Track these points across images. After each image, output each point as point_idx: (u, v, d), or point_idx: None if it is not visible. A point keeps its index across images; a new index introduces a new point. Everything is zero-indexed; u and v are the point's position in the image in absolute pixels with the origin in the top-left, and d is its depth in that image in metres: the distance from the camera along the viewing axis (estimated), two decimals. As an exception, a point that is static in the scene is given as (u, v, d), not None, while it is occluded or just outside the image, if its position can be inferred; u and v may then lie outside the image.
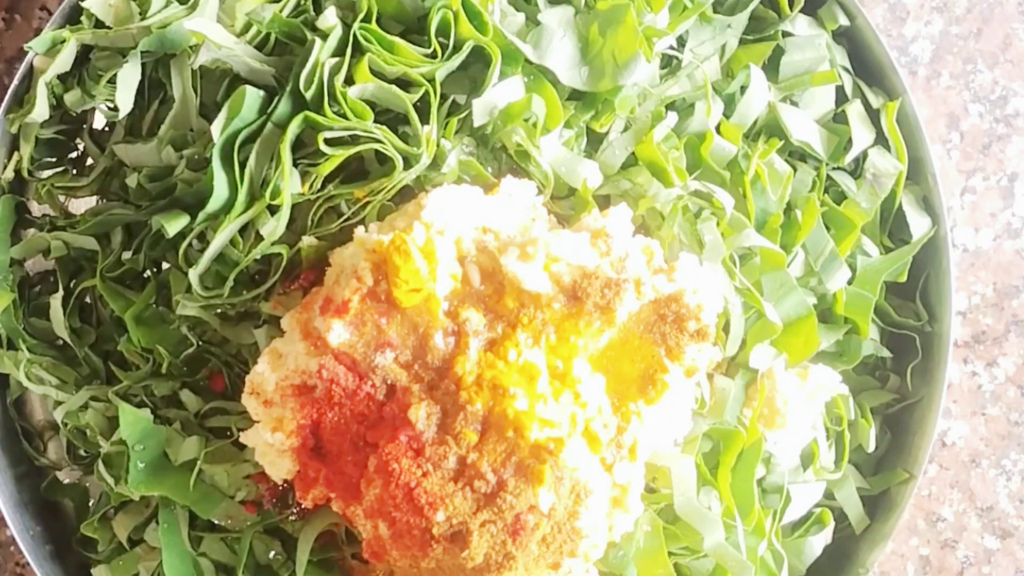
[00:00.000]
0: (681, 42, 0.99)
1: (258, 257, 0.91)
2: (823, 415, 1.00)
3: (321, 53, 0.89)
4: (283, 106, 0.90)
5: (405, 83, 0.91)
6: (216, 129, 0.90)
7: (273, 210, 0.90)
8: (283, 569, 0.97)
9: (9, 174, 0.99)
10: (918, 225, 1.03)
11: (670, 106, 0.98)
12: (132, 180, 0.95)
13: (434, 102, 0.91)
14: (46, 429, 1.08)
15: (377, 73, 0.91)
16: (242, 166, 0.89)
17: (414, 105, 0.90)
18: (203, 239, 0.92)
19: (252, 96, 0.90)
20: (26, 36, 1.15)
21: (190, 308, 0.93)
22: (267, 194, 0.89)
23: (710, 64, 0.99)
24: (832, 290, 1.00)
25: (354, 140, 0.90)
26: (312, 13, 0.93)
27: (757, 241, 0.95)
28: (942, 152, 1.20)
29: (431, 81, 0.91)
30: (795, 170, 1.00)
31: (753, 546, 0.95)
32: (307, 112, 0.89)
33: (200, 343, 0.96)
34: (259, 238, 0.91)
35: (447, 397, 0.86)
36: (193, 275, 0.91)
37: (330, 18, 0.90)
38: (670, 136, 0.96)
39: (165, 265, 0.97)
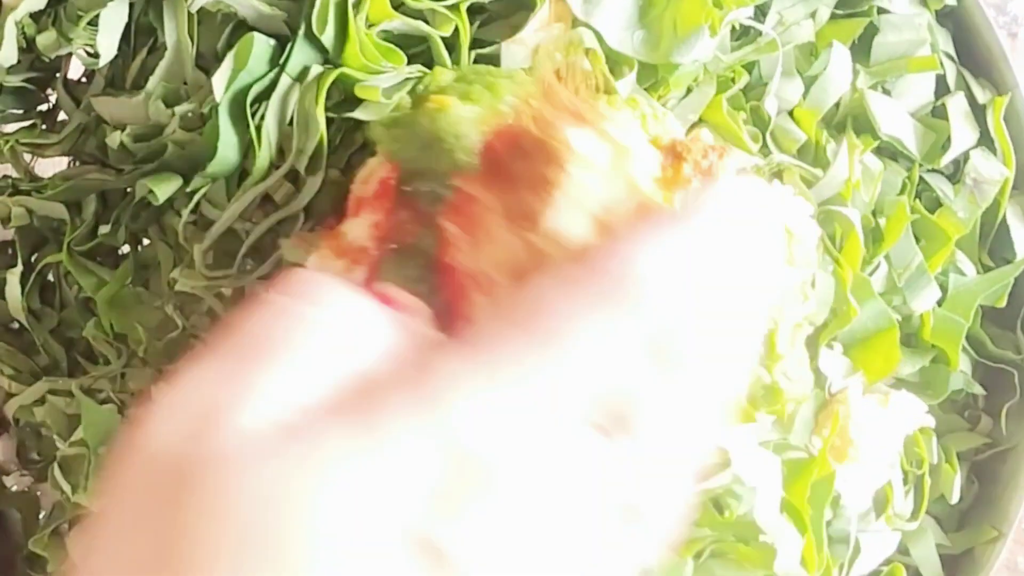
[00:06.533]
0: (763, 10, 0.86)
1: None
2: (901, 455, 0.88)
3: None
4: (297, 55, 0.78)
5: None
6: (219, 82, 0.78)
7: (291, 174, 0.79)
8: None
9: (-34, 126, 0.87)
10: (1023, 242, 0.93)
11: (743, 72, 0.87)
12: (113, 139, 0.84)
13: (464, 42, 0.80)
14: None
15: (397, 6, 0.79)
16: (257, 128, 0.78)
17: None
18: (196, 210, 0.81)
19: (261, 45, 0.79)
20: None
21: (189, 286, 0.81)
22: (292, 160, 0.78)
23: (799, 30, 0.88)
24: (918, 311, 0.89)
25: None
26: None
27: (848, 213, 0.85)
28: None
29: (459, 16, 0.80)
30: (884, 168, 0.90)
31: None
32: (342, 69, 0.78)
33: (186, 325, 0.84)
34: (274, 206, 0.80)
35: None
36: (198, 252, 0.80)
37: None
38: (737, 97, 0.86)
39: (146, 240, 0.87)
